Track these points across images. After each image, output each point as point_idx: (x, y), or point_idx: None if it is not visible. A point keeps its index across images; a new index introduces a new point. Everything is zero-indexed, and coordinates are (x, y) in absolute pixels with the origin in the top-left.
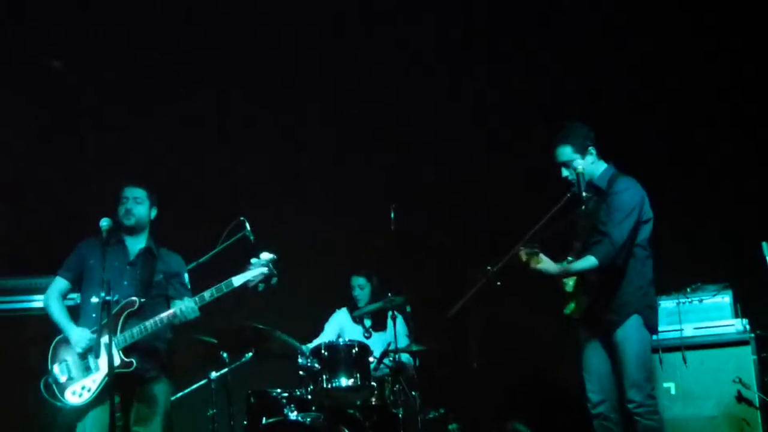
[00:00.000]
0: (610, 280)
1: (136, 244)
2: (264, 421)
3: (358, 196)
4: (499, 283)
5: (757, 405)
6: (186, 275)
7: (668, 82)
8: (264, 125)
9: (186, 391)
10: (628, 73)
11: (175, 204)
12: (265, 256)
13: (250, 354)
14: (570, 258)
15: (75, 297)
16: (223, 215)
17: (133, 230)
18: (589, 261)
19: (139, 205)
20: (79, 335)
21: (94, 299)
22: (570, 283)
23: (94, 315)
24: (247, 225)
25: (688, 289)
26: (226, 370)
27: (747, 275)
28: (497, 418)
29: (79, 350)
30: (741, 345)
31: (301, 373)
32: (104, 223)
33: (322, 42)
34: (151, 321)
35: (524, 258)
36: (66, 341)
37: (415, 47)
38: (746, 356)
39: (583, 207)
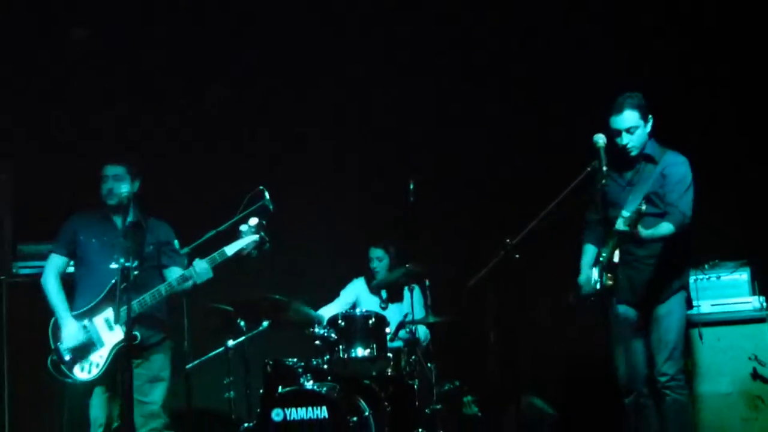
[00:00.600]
0: (664, 253)
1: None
2: (280, 389)
3: (377, 167)
4: (517, 256)
5: None
6: (176, 241)
7: (687, 59)
8: (282, 96)
9: (203, 358)
10: (651, 48)
11: (194, 174)
12: (254, 221)
13: (267, 323)
14: (625, 217)
15: None
16: (242, 184)
17: (119, 207)
18: (667, 227)
19: (119, 182)
20: (70, 333)
21: (114, 265)
22: (617, 253)
23: (92, 289)
24: (266, 194)
25: (706, 266)
26: (243, 338)
27: (765, 252)
28: (513, 391)
29: (69, 345)
30: (758, 322)
31: (317, 342)
32: (125, 190)
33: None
34: (149, 294)
35: (643, 210)
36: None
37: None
38: (763, 334)
39: (603, 181)
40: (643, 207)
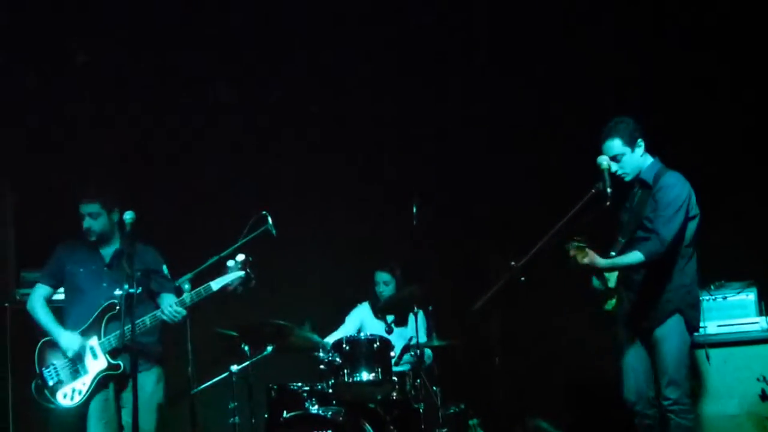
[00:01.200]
0: (654, 277)
1: (110, 248)
2: (285, 414)
3: (381, 190)
4: (523, 279)
5: None
6: (164, 267)
7: (700, 77)
8: (284, 121)
9: (207, 384)
10: (662, 67)
11: (197, 199)
12: (240, 257)
13: (271, 348)
14: (613, 253)
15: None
16: (245, 210)
17: (102, 240)
18: (635, 256)
19: (96, 220)
20: (69, 340)
21: (118, 291)
22: (612, 278)
23: (79, 317)
24: (269, 219)
25: (712, 287)
26: (247, 363)
27: None
28: (519, 415)
29: (71, 355)
30: (765, 343)
31: (322, 367)
32: (128, 216)
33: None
34: (149, 316)
35: (571, 253)
36: (51, 344)
37: (432, 40)
38: None
39: (607, 204)
40: (613, 254)
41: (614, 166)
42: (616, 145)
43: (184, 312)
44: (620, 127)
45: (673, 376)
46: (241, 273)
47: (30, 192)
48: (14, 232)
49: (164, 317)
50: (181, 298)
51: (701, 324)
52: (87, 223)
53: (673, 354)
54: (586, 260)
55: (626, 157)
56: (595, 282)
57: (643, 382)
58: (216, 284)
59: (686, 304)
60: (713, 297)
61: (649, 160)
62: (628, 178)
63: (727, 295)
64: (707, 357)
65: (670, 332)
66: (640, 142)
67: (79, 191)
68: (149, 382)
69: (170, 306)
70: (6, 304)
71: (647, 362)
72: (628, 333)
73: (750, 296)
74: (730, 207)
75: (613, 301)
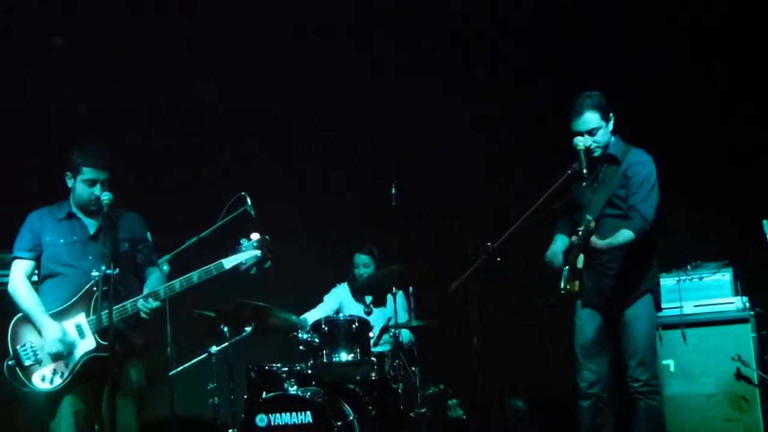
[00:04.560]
0: (628, 256)
1: (95, 219)
2: (264, 395)
3: (360, 173)
4: (499, 259)
5: (756, 382)
6: (149, 234)
7: (667, 54)
8: (264, 104)
9: (187, 365)
10: (628, 46)
11: (175, 180)
12: (255, 236)
13: (250, 328)
14: (580, 230)
15: None
16: (223, 190)
17: (88, 211)
18: (626, 235)
19: (105, 188)
20: (55, 337)
21: (95, 273)
22: (581, 259)
23: (61, 294)
24: (248, 200)
25: (689, 267)
26: (226, 344)
27: (747, 253)
28: (497, 395)
29: (54, 351)
30: (741, 323)
31: (301, 347)
32: (106, 197)
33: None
34: (130, 303)
35: (592, 226)
36: (28, 320)
37: (412, 31)
38: (746, 334)
39: (584, 183)
40: (593, 224)
41: (589, 140)
42: (593, 118)
43: (159, 305)
44: (595, 100)
45: (645, 357)
46: (257, 252)
47: None
48: None
49: (142, 314)
50: (187, 276)
51: (679, 304)
52: (97, 191)
53: (644, 334)
54: (597, 244)
55: (602, 131)
56: (549, 255)
57: (606, 363)
58: (228, 263)
59: (654, 283)
60: (689, 277)
61: (612, 137)
62: (597, 153)
63: (703, 276)
64: (683, 337)
65: (641, 312)
66: (612, 116)
67: (82, 153)
68: (137, 375)
69: (145, 303)
70: None
71: (610, 343)
72: (589, 314)
73: (726, 276)
74: (706, 187)
75: (577, 282)
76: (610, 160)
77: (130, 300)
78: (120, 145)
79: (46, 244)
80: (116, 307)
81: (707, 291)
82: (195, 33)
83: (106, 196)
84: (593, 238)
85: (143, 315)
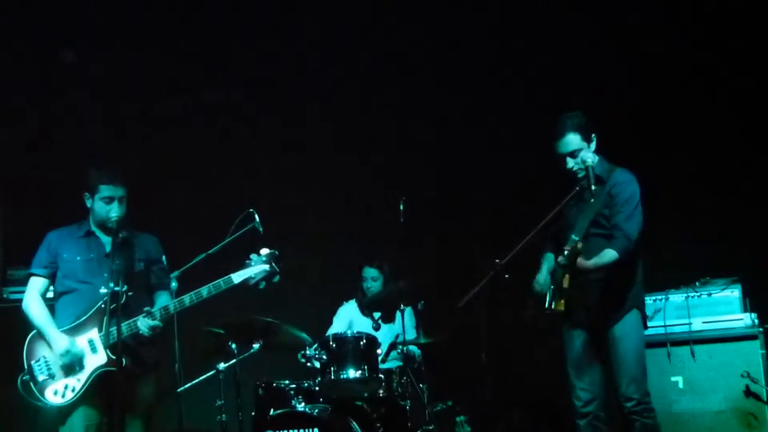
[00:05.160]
0: (614, 275)
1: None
2: (272, 411)
3: (367, 187)
4: (507, 276)
5: (765, 399)
6: (164, 258)
7: (668, 73)
8: (269, 118)
9: (194, 381)
10: (628, 65)
11: (183, 196)
12: (265, 251)
13: (258, 345)
14: (566, 251)
15: None
16: (231, 207)
17: (105, 228)
18: (610, 254)
19: (122, 205)
20: (63, 348)
21: (103, 290)
22: (567, 278)
23: (76, 310)
24: (257, 217)
25: (697, 283)
26: (234, 361)
27: (756, 270)
28: (506, 411)
29: (65, 362)
30: (749, 339)
31: (308, 364)
32: (114, 214)
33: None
34: (129, 323)
35: (578, 247)
36: (43, 336)
37: (417, 38)
38: (755, 351)
39: (592, 200)
40: (579, 245)
41: (570, 162)
42: (574, 140)
43: (161, 325)
44: (575, 121)
45: (635, 374)
46: (266, 267)
47: (16, 189)
48: (0, 229)
49: (141, 332)
50: (197, 291)
51: (688, 320)
52: (115, 208)
53: (634, 352)
54: (582, 264)
55: (583, 152)
56: (539, 284)
57: (599, 382)
58: (237, 277)
59: (640, 300)
60: (698, 294)
61: (596, 157)
62: (581, 174)
63: (711, 292)
64: (692, 353)
65: (630, 330)
66: (594, 137)
67: (98, 172)
68: (148, 391)
69: (145, 323)
70: None
71: (601, 362)
72: (578, 333)
73: (734, 293)
74: (714, 204)
75: (563, 301)
76: (597, 180)
77: (142, 316)
78: (128, 161)
79: (63, 261)
80: (126, 322)
81: (716, 307)
82: (205, 45)
83: (114, 213)
84: (580, 259)
85: (143, 333)
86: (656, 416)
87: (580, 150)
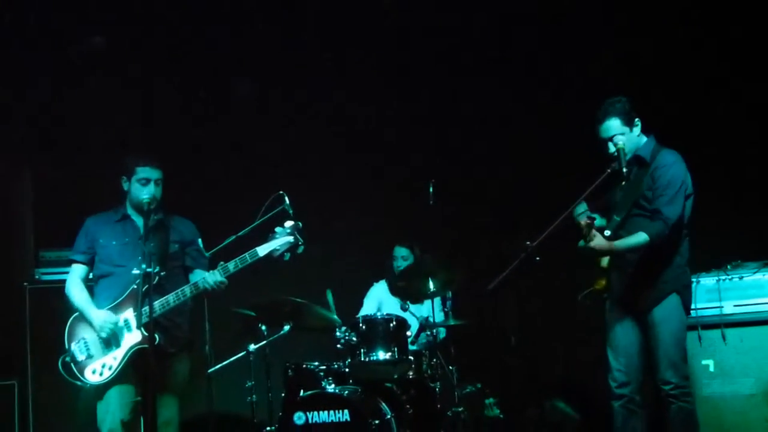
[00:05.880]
0: (652, 257)
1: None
2: (302, 393)
3: (400, 172)
4: (538, 258)
5: None
6: (200, 240)
7: (704, 56)
8: (301, 100)
9: (225, 363)
10: (666, 45)
11: (215, 178)
12: (289, 223)
13: (288, 327)
14: (607, 232)
15: None
16: (262, 189)
17: (140, 211)
18: (641, 237)
19: (158, 187)
20: (102, 320)
21: (135, 271)
22: (605, 258)
23: (113, 291)
24: (286, 199)
25: (729, 266)
26: (264, 342)
27: None
28: (535, 393)
29: (104, 335)
30: None
31: (338, 346)
32: (146, 196)
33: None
34: (173, 295)
35: (583, 223)
36: (83, 319)
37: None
38: None
39: (623, 183)
40: (608, 232)
41: (611, 147)
42: (614, 125)
43: (226, 282)
44: (617, 107)
45: (674, 359)
46: (290, 238)
47: (48, 171)
48: (32, 211)
49: (207, 288)
50: (224, 265)
51: (719, 303)
52: (152, 189)
53: (673, 336)
54: (592, 243)
55: (625, 137)
56: (597, 286)
57: (636, 364)
58: (262, 250)
59: (682, 285)
60: (730, 277)
61: (644, 139)
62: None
63: (743, 275)
64: (723, 337)
65: (670, 314)
66: (637, 122)
67: (138, 155)
68: (180, 371)
69: (213, 276)
70: (25, 284)
71: (640, 345)
72: (619, 314)
73: (766, 276)
74: (745, 185)
75: (603, 281)
76: (639, 162)
77: (173, 293)
78: (158, 146)
79: (100, 246)
80: (159, 300)
81: (747, 291)
82: (229, 32)
83: (146, 194)
84: (596, 242)
85: (209, 286)
86: (694, 401)
87: (621, 134)
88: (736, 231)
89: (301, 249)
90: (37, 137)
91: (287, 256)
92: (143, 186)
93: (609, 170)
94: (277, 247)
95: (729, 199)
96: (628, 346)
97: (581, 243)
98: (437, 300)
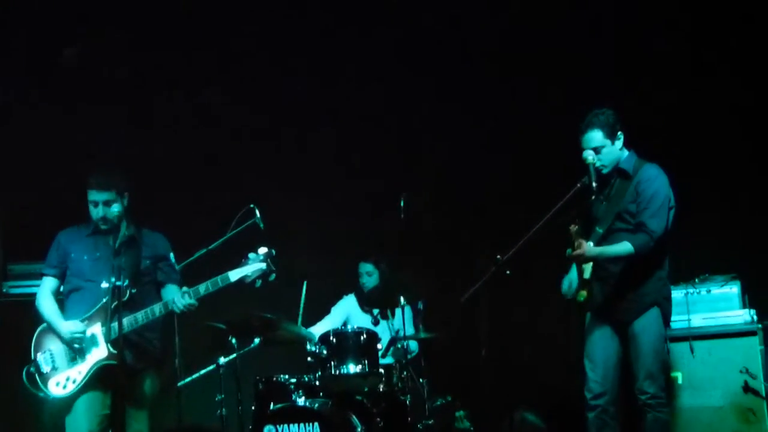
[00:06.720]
0: (633, 269)
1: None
2: (272, 406)
3: (370, 185)
4: (508, 273)
5: (764, 395)
6: (172, 255)
7: (671, 71)
8: (271, 115)
9: (195, 376)
10: (638, 63)
11: (184, 191)
12: (262, 250)
13: (258, 340)
14: (590, 243)
15: None
16: (232, 203)
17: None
18: (626, 247)
19: (110, 208)
20: (71, 331)
21: (104, 284)
22: (588, 269)
23: (82, 305)
24: (257, 212)
25: (696, 280)
26: (234, 355)
27: (755, 266)
28: (505, 406)
29: (77, 346)
30: (748, 335)
31: (309, 359)
32: (115, 210)
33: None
34: (142, 313)
35: (572, 230)
36: (50, 330)
37: (415, 40)
38: (753, 347)
39: (593, 197)
40: (574, 228)
41: (590, 158)
42: (596, 137)
43: (197, 304)
44: (601, 119)
45: (651, 369)
46: (262, 266)
47: (15, 184)
48: (0, 225)
49: (176, 310)
50: (195, 287)
51: (687, 316)
52: (100, 211)
53: (652, 347)
54: (580, 249)
55: (606, 149)
56: (579, 297)
57: (613, 377)
58: (234, 275)
59: (663, 297)
60: (697, 290)
61: (626, 152)
62: (606, 171)
63: (711, 288)
64: (691, 349)
65: (649, 325)
66: (620, 135)
67: (88, 177)
68: (149, 388)
69: (183, 299)
70: None
71: (618, 357)
72: (599, 325)
73: (734, 289)
74: (713, 200)
75: (584, 292)
76: (622, 175)
77: (143, 311)
78: (128, 157)
79: (71, 260)
80: (127, 317)
81: (715, 304)
82: (200, 43)
83: (115, 209)
84: (587, 245)
85: (178, 309)
86: (669, 412)
87: (602, 147)
88: (704, 244)
89: (272, 277)
90: (3, 149)
91: (258, 282)
92: (94, 208)
93: (579, 185)
94: (249, 274)
95: (697, 213)
96: (606, 359)
97: (569, 251)
98: (408, 314)
